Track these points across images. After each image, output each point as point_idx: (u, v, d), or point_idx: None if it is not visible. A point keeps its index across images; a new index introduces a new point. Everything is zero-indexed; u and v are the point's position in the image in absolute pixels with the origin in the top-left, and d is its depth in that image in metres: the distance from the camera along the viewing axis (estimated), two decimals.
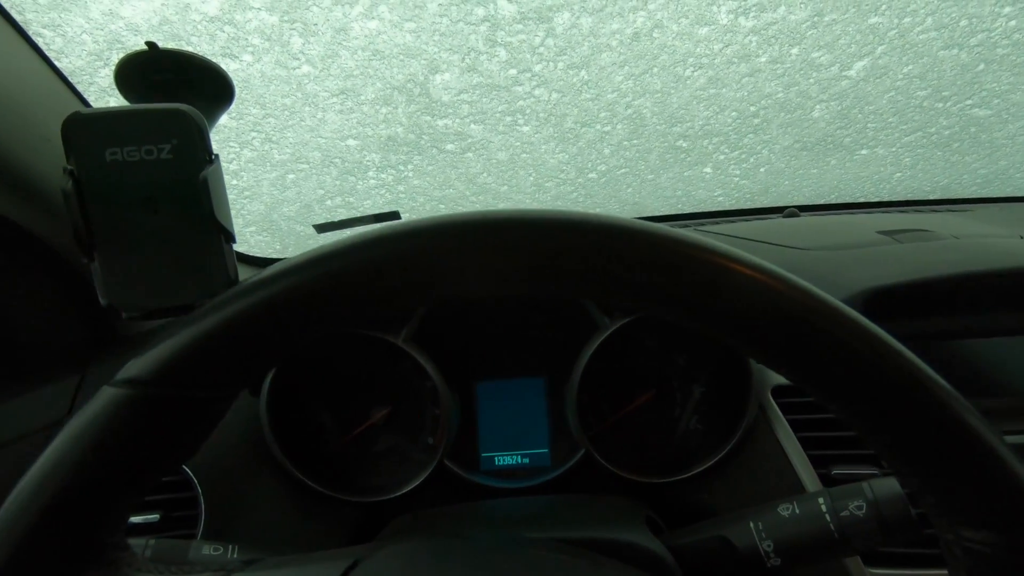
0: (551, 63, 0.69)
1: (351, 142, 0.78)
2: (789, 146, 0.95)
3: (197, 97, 0.41)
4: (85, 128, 0.35)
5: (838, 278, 0.62)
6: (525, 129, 0.81)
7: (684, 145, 0.91)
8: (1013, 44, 0.72)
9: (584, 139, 0.86)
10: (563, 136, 0.84)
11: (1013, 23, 0.68)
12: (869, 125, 0.89)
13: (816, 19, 0.66)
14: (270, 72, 0.65)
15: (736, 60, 0.72)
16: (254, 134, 0.73)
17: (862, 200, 1.15)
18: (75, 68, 0.55)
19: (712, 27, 0.66)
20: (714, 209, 1.15)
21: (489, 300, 0.69)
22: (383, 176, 0.87)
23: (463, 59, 0.67)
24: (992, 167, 1.05)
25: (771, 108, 0.83)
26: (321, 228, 0.90)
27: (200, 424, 0.28)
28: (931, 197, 1.14)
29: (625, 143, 0.88)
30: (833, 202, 1.15)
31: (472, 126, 0.78)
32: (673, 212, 1.14)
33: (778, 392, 0.60)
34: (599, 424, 0.66)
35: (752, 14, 0.65)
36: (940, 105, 0.85)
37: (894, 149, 0.97)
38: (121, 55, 0.38)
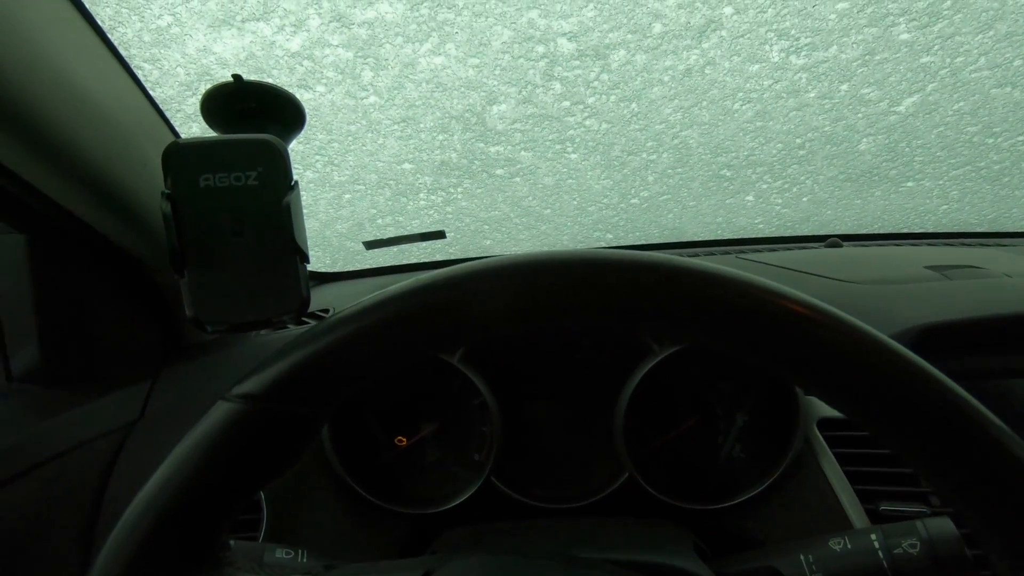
0: (603, 96, 0.72)
1: (407, 166, 0.81)
2: (833, 177, 0.96)
3: (273, 124, 0.45)
4: (183, 155, 0.39)
5: (887, 314, 0.62)
6: (573, 156, 0.83)
7: (728, 174, 0.92)
8: None
9: (629, 167, 0.88)
10: (609, 163, 0.86)
11: None
12: (916, 158, 0.89)
13: (867, 58, 0.67)
14: (340, 101, 0.69)
15: (785, 95, 0.74)
16: (318, 157, 0.77)
17: (906, 231, 1.14)
18: (166, 97, 0.60)
19: (763, 64, 0.68)
20: (754, 236, 1.16)
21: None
22: (433, 198, 0.91)
23: (520, 91, 0.70)
24: None
25: (817, 140, 0.84)
26: (370, 245, 0.94)
27: (302, 438, 0.31)
28: (978, 230, 1.13)
29: (669, 171, 0.90)
30: (877, 232, 1.14)
31: (522, 153, 0.81)
32: (713, 238, 1.15)
33: (824, 424, 0.60)
34: (643, 448, 0.67)
35: (804, 53, 0.66)
36: (991, 140, 0.85)
37: (941, 182, 0.97)
38: (208, 86, 0.42)
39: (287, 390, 0.30)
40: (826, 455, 0.59)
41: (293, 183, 0.43)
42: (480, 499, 0.64)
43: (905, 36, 0.65)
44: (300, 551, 0.47)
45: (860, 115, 0.78)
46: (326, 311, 0.81)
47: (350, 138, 0.75)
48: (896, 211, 1.09)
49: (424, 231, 0.93)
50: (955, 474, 0.27)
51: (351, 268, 0.98)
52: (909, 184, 0.98)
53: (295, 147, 0.78)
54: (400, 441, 0.69)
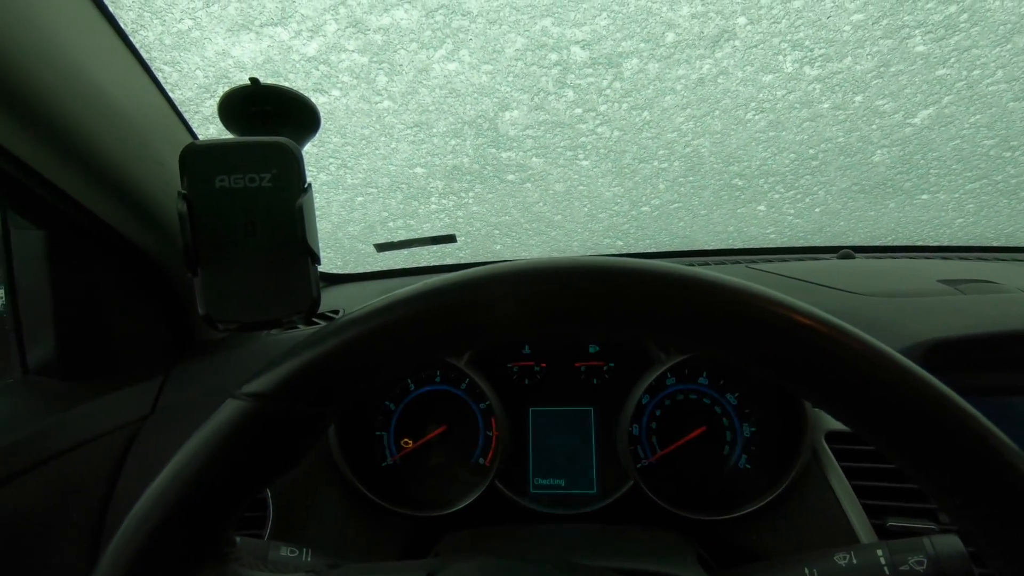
0: (616, 104, 0.72)
1: (419, 170, 0.82)
2: (847, 188, 0.95)
3: (288, 127, 0.46)
4: (200, 157, 0.40)
5: (897, 328, 0.62)
6: (584, 163, 0.84)
7: (740, 183, 0.92)
8: None
9: (641, 174, 0.88)
10: (620, 171, 0.86)
11: None
12: (931, 171, 0.89)
13: (882, 69, 0.67)
14: (354, 106, 0.70)
15: (798, 106, 0.73)
16: (331, 160, 0.78)
17: (920, 244, 1.12)
18: (185, 99, 0.61)
19: (777, 75, 0.68)
20: (766, 246, 1.15)
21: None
22: (444, 202, 0.91)
23: (532, 98, 0.70)
24: None
25: (831, 151, 0.84)
26: (381, 247, 0.95)
27: (308, 436, 0.32)
28: (995, 244, 1.11)
29: (681, 179, 0.90)
30: (890, 244, 1.13)
31: (534, 159, 0.82)
32: (724, 247, 1.14)
33: (832, 438, 0.60)
34: (648, 457, 0.67)
35: (818, 63, 0.66)
36: (1008, 154, 0.84)
37: (957, 195, 0.96)
38: (226, 88, 0.43)
39: (295, 390, 0.30)
40: (833, 468, 0.58)
41: (306, 185, 0.43)
42: (484, 503, 0.64)
43: (921, 48, 0.64)
44: (304, 550, 0.48)
45: (874, 126, 0.77)
46: (336, 312, 0.82)
47: (363, 141, 0.76)
48: (911, 224, 1.08)
49: (435, 235, 0.94)
50: (961, 491, 0.27)
51: (362, 270, 0.99)
52: (924, 197, 0.97)
53: (309, 149, 0.79)
54: (406, 443, 0.69)
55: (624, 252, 1.10)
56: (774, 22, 0.60)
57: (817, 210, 1.03)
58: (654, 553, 0.49)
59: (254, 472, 0.30)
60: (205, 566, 0.31)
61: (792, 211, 1.03)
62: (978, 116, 0.75)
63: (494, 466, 0.63)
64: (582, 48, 0.63)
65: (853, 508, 0.56)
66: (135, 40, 0.52)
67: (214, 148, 0.40)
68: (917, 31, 0.61)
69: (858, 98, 0.72)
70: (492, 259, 0.88)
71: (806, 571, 0.42)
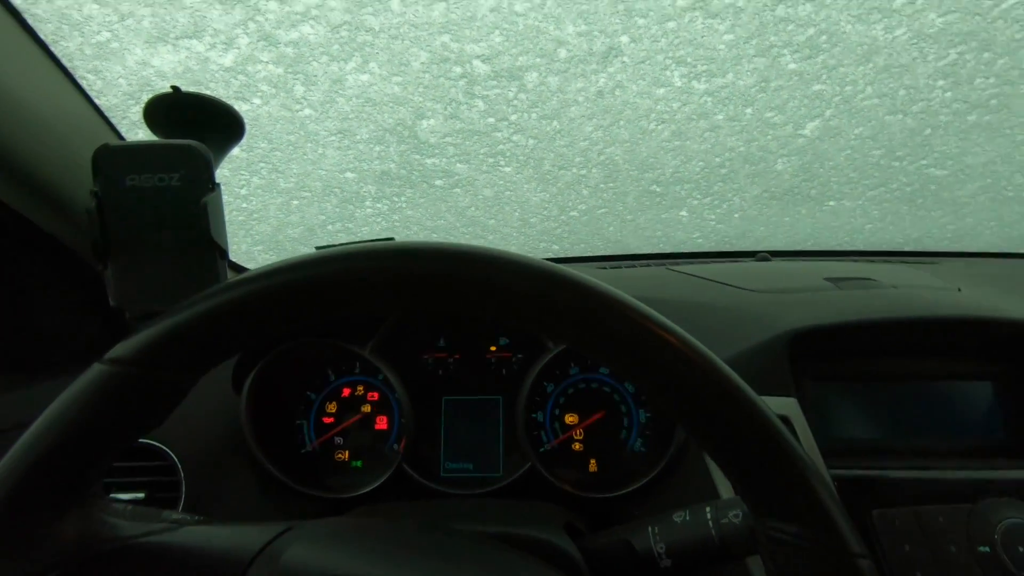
0: (525, 113, 0.78)
1: (349, 175, 0.87)
2: (759, 195, 1.02)
3: (212, 133, 0.50)
4: (111, 157, 0.44)
5: (772, 319, 0.67)
6: (507, 170, 0.89)
7: (658, 190, 0.98)
8: (954, 112, 0.78)
9: (563, 181, 0.93)
10: (543, 177, 0.92)
11: (949, 94, 0.75)
12: (832, 179, 0.96)
13: (763, 84, 0.73)
14: (276, 113, 0.74)
15: (695, 117, 0.80)
16: (262, 164, 0.83)
17: (836, 248, 1.20)
18: (111, 105, 0.65)
19: (668, 88, 0.74)
20: (693, 250, 1.22)
21: (457, 320, 0.76)
22: (379, 206, 0.96)
23: (445, 108, 0.76)
24: (960, 223, 1.09)
25: (736, 160, 0.90)
26: (322, 250, 0.99)
27: (167, 399, 0.36)
28: (905, 249, 1.19)
29: (602, 186, 0.96)
30: (808, 249, 1.20)
31: (458, 165, 0.87)
32: (654, 251, 1.21)
33: None
34: (552, 440, 0.72)
35: (703, 79, 0.72)
36: (896, 164, 0.91)
37: (860, 202, 1.03)
38: (149, 96, 0.47)
39: (153, 356, 0.34)
40: None
41: (214, 185, 0.48)
42: (394, 487, 0.68)
43: (793, 66, 0.71)
44: (196, 518, 0.51)
45: (770, 137, 0.84)
46: None
47: (291, 147, 0.80)
48: (825, 229, 1.15)
49: (374, 238, 0.98)
50: (711, 434, 0.32)
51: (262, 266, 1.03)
52: (831, 203, 1.04)
53: (239, 154, 0.84)
54: (322, 431, 0.73)
55: (559, 256, 1.15)
56: (654, 40, 0.66)
57: (736, 216, 1.10)
58: (525, 520, 0.53)
59: (114, 431, 0.34)
60: (69, 514, 0.34)
61: (713, 216, 1.09)
62: (861, 128, 0.82)
63: (402, 450, 0.67)
64: (483, 62, 0.68)
65: (721, 480, 0.61)
66: (56, 50, 0.56)
67: (125, 150, 0.45)
68: (785, 50, 0.68)
69: (748, 110, 0.78)
70: None
71: (650, 529, 0.47)
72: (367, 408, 0.74)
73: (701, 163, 0.90)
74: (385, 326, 0.69)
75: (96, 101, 0.63)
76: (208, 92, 0.49)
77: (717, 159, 0.89)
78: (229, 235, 0.47)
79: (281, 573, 0.34)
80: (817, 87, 0.74)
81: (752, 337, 0.66)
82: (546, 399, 0.73)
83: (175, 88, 0.47)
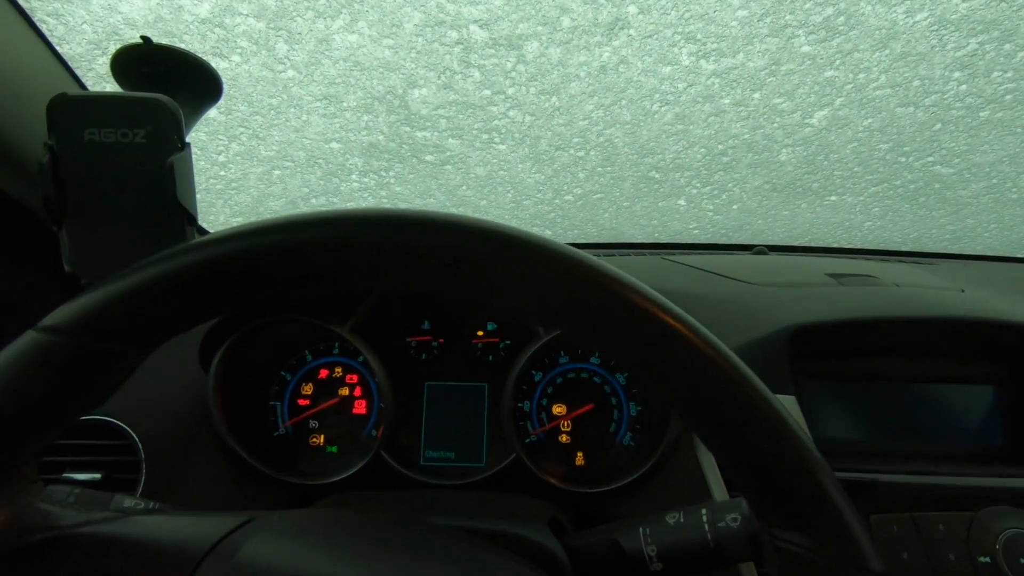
0: (523, 87, 0.74)
1: (335, 145, 0.82)
2: (759, 186, 0.99)
3: (185, 89, 0.45)
4: (68, 108, 0.39)
5: (772, 313, 0.65)
6: (501, 147, 0.85)
7: (657, 176, 0.95)
8: (967, 107, 0.75)
9: (559, 162, 0.90)
10: (538, 157, 0.88)
11: (964, 87, 0.72)
12: (835, 172, 0.93)
13: (774, 68, 0.70)
14: (257, 73, 0.69)
15: (701, 100, 0.76)
16: (242, 129, 0.78)
17: (834, 245, 1.17)
18: (75, 54, 0.60)
19: (675, 67, 0.71)
20: (689, 241, 1.19)
21: (443, 304, 0.72)
22: (365, 180, 0.91)
23: (439, 76, 0.71)
24: (960, 224, 1.07)
25: (739, 148, 0.87)
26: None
27: (109, 375, 0.32)
28: (903, 248, 1.17)
29: (599, 169, 0.92)
30: (805, 245, 1.18)
31: (450, 140, 0.83)
32: (649, 241, 1.17)
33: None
34: (538, 432, 0.69)
35: (712, 58, 0.69)
36: (903, 160, 0.88)
37: (862, 198, 1.01)
38: (118, 46, 0.43)
39: (94, 325, 0.30)
40: (702, 446, 0.61)
41: (183, 144, 0.43)
42: (370, 475, 0.64)
43: (807, 49, 0.67)
44: (154, 504, 0.47)
45: (776, 124, 0.81)
46: None
47: (273, 112, 0.75)
48: (823, 225, 1.13)
49: None
50: (723, 438, 0.29)
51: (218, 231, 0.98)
52: (832, 198, 1.02)
53: (217, 116, 0.78)
54: (296, 414, 0.69)
55: None
56: (663, 13, 0.62)
57: (735, 207, 1.07)
58: (508, 516, 0.50)
59: (48, 407, 0.30)
60: None
61: (711, 207, 1.06)
62: (870, 120, 0.79)
63: (380, 437, 0.64)
64: (480, 27, 0.64)
65: (715, 480, 0.59)
66: None
67: (84, 101, 0.40)
68: (800, 31, 0.64)
69: (756, 95, 0.75)
70: None
71: (640, 531, 0.44)
72: (345, 391, 0.70)
73: (703, 150, 0.87)
74: (365, 305, 0.65)
75: (57, 48, 0.58)
76: (182, 46, 0.45)
77: (720, 146, 0.86)
78: (206, 204, 0.43)
79: (236, 571, 0.30)
80: (830, 73, 0.71)
81: (751, 331, 0.63)
82: (533, 388, 0.70)
83: (145, 39, 0.43)
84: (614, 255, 1.05)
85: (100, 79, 0.62)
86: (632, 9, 0.62)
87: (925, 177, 0.92)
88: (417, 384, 0.71)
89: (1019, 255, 1.10)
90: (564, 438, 0.68)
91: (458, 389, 0.71)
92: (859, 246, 1.17)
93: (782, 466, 0.27)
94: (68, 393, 0.30)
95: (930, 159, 0.88)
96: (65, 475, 0.59)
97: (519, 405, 0.69)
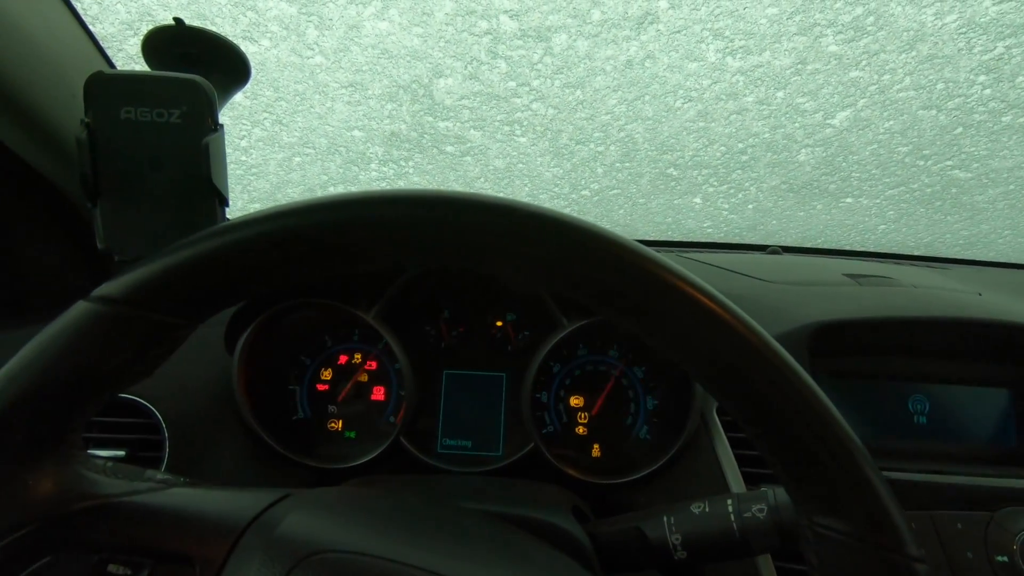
0: (548, 80, 0.74)
1: (357, 133, 0.82)
2: (776, 186, 0.99)
3: (215, 72, 0.46)
4: (105, 86, 0.40)
5: (792, 311, 0.65)
6: (522, 140, 0.85)
7: (674, 173, 0.95)
8: (989, 112, 0.76)
9: (578, 156, 0.90)
10: (558, 151, 0.88)
11: (988, 91, 0.72)
12: (853, 174, 0.93)
13: (799, 67, 0.70)
14: (285, 58, 0.70)
15: (724, 97, 0.76)
16: (265, 115, 0.78)
17: (847, 248, 1.18)
18: (107, 34, 0.60)
19: (701, 63, 0.71)
20: (703, 240, 1.19)
21: (464, 292, 0.73)
22: (385, 170, 0.92)
23: (466, 67, 0.71)
24: (974, 230, 1.08)
25: (758, 147, 0.87)
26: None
27: (159, 347, 0.32)
28: (915, 253, 1.17)
29: (617, 165, 0.93)
30: (819, 246, 1.18)
31: (472, 131, 0.83)
32: (663, 238, 1.18)
33: (722, 410, 0.63)
34: (555, 423, 0.69)
35: (739, 55, 0.69)
36: (921, 163, 0.88)
37: (878, 201, 1.01)
38: (150, 27, 0.43)
39: (145, 296, 0.30)
40: (720, 438, 0.61)
41: (217, 126, 0.44)
42: (389, 460, 0.65)
43: (833, 48, 0.67)
44: (182, 479, 0.48)
45: (797, 124, 0.81)
46: None
47: (298, 98, 0.75)
48: (837, 227, 1.13)
49: None
50: (763, 425, 0.29)
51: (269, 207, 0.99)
52: (848, 200, 1.02)
53: (242, 101, 0.79)
54: (317, 398, 0.70)
55: None
56: (694, 8, 0.62)
57: (750, 207, 1.07)
58: (532, 502, 0.51)
59: (98, 376, 0.31)
60: (45, 465, 0.31)
61: (727, 206, 1.07)
62: (892, 122, 0.79)
63: (401, 423, 0.64)
64: (511, 18, 0.64)
65: (733, 474, 0.59)
66: None
67: (121, 79, 0.40)
68: (828, 30, 0.64)
69: (780, 94, 0.75)
70: None
71: (664, 519, 0.45)
72: (364, 377, 0.70)
73: (723, 148, 0.87)
74: (391, 291, 0.65)
75: (91, 27, 0.59)
76: (213, 28, 0.45)
77: (740, 144, 0.86)
78: None
79: (278, 543, 0.31)
80: (855, 73, 0.71)
81: (772, 327, 0.63)
82: (552, 379, 0.70)
83: (178, 21, 0.43)
84: None
85: (130, 59, 0.63)
86: (663, 4, 0.62)
87: (943, 181, 0.93)
88: (436, 372, 0.71)
89: None
90: (581, 430, 0.69)
91: (476, 378, 0.71)
92: (872, 249, 1.17)
93: (826, 453, 0.28)
94: (119, 362, 0.31)
95: (949, 163, 0.88)
96: (89, 451, 0.59)
97: (536, 396, 0.69)
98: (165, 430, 0.60)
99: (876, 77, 0.71)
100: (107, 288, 0.31)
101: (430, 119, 0.80)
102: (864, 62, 0.69)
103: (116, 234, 0.43)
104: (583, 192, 1.01)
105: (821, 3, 0.61)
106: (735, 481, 0.59)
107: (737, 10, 0.62)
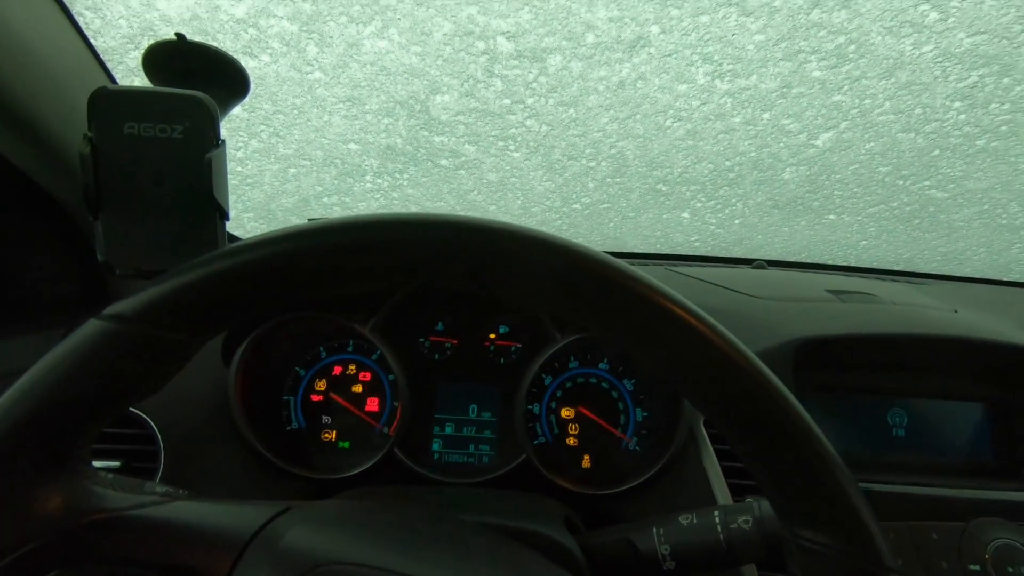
0: (542, 98, 0.76)
1: (352, 146, 0.83)
2: (762, 203, 1.02)
3: (215, 87, 0.47)
4: (109, 101, 0.40)
5: (777, 326, 0.67)
6: (516, 155, 0.87)
7: (664, 189, 0.97)
8: (964, 135, 0.79)
9: (570, 171, 0.92)
10: (551, 166, 0.90)
11: (963, 116, 0.75)
12: (836, 192, 0.96)
13: (785, 90, 0.73)
14: (285, 73, 0.71)
15: (712, 117, 0.79)
16: (263, 127, 0.79)
17: (830, 263, 1.21)
18: (108, 47, 0.60)
19: (690, 85, 0.73)
20: (690, 253, 1.21)
21: (459, 306, 0.74)
22: (379, 182, 0.93)
23: (462, 84, 0.73)
24: (951, 247, 1.11)
25: (745, 165, 0.90)
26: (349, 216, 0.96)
27: (169, 363, 0.33)
28: (895, 268, 1.20)
29: (608, 180, 0.95)
30: (802, 261, 1.21)
31: (466, 146, 0.84)
32: (651, 252, 1.20)
33: (709, 423, 0.64)
34: (546, 434, 0.70)
35: (727, 78, 0.71)
36: (900, 183, 0.92)
37: (859, 218, 1.04)
38: (151, 41, 0.44)
39: (157, 314, 0.31)
40: (707, 451, 0.63)
41: (219, 141, 0.45)
42: (383, 471, 0.65)
43: (817, 74, 0.70)
44: (183, 492, 0.48)
45: (782, 144, 0.84)
46: None
47: (295, 111, 0.76)
48: (821, 243, 1.16)
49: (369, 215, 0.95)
50: (751, 442, 0.31)
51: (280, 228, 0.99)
52: (831, 217, 1.05)
53: (240, 114, 0.80)
54: (312, 409, 0.70)
55: None
56: (684, 34, 0.65)
57: (737, 222, 1.09)
58: (525, 513, 0.52)
59: (110, 393, 0.32)
60: (54, 480, 0.32)
61: (714, 221, 1.09)
62: (872, 144, 0.82)
63: (394, 435, 0.65)
64: (507, 39, 0.66)
65: (719, 485, 0.61)
66: None
67: (125, 94, 0.41)
68: (813, 56, 0.67)
69: (766, 115, 0.78)
70: None
71: (653, 531, 0.46)
72: (358, 388, 0.71)
73: (711, 165, 0.90)
74: (389, 304, 0.66)
75: (92, 41, 0.59)
76: (215, 44, 0.46)
77: (727, 162, 0.89)
78: None
79: (282, 557, 0.32)
80: (837, 97, 0.74)
81: (756, 343, 0.65)
82: (543, 391, 0.71)
83: (180, 36, 0.44)
84: None
85: (130, 72, 0.63)
86: (655, 29, 0.64)
87: (921, 200, 0.96)
88: (430, 384, 0.72)
89: (1006, 279, 1.14)
90: (572, 441, 0.70)
91: (470, 390, 0.72)
92: (854, 264, 1.20)
93: (806, 468, 0.29)
94: (130, 379, 0.32)
95: (926, 183, 0.91)
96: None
97: (529, 407, 0.71)
98: (160, 441, 0.60)
99: (858, 101, 0.74)
100: (120, 307, 0.31)
101: (426, 133, 0.81)
102: (846, 87, 0.72)
103: (117, 248, 0.43)
104: (574, 206, 1.03)
105: (806, 31, 0.64)
106: (721, 492, 0.60)
107: (726, 36, 0.65)
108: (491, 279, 0.31)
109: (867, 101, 0.75)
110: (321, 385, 0.71)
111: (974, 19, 0.60)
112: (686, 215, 1.07)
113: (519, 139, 0.83)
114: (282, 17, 0.63)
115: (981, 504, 0.57)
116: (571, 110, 0.78)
